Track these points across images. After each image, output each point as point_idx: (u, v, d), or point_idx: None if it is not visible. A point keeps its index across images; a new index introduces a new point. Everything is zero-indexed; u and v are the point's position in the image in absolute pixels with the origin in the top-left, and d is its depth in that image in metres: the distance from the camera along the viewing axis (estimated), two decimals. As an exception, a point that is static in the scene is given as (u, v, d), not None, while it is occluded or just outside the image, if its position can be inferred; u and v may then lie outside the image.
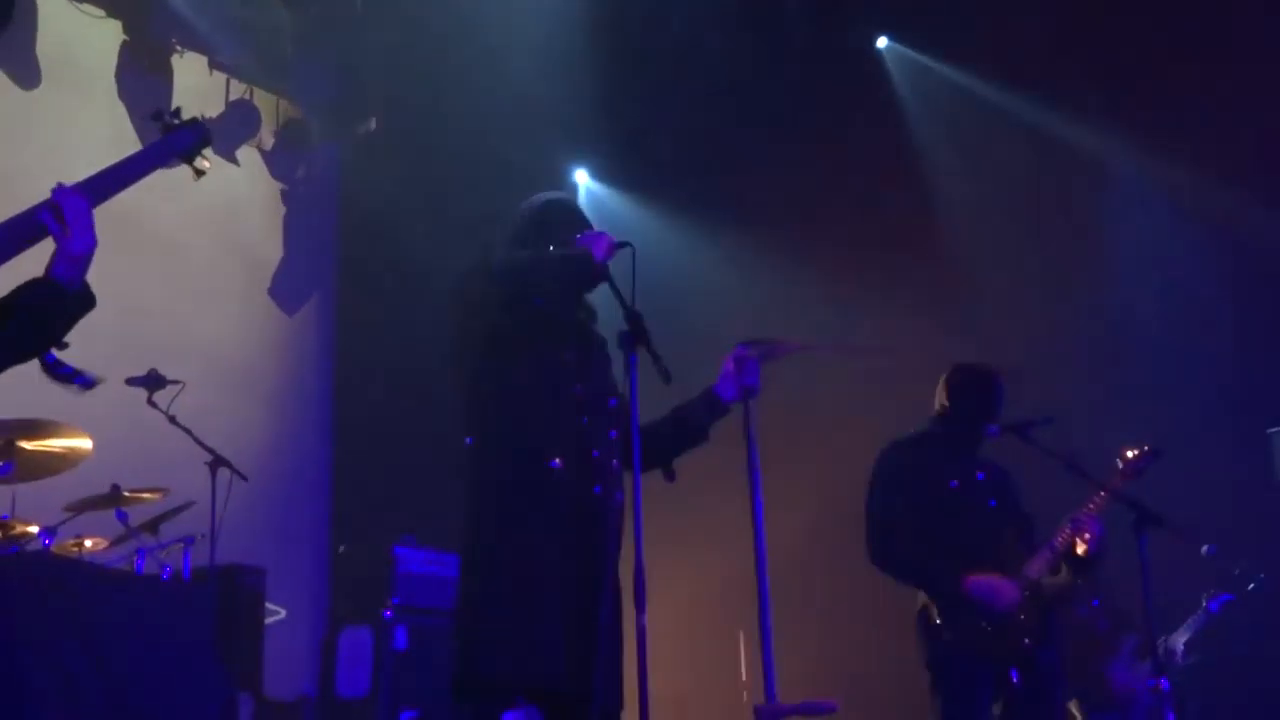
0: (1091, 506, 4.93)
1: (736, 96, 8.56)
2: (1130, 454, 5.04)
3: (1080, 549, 4.85)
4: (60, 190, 2.75)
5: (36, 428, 5.52)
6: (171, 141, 3.08)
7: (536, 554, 3.50)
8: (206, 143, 3.13)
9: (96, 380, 2.94)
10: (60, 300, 2.75)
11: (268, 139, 8.77)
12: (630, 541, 3.44)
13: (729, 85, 8.49)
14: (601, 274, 3.61)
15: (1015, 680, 4.70)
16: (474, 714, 3.50)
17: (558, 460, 3.57)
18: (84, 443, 5.71)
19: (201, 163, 3.13)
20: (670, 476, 3.87)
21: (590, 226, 3.79)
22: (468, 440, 3.68)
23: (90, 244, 2.75)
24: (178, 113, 3.12)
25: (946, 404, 5.08)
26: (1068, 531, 4.86)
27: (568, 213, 3.89)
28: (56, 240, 2.72)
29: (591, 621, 3.42)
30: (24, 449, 5.53)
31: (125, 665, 4.98)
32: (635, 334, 3.50)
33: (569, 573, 3.50)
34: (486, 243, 3.88)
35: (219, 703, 5.38)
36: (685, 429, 3.92)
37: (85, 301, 2.81)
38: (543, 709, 3.52)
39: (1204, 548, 6.77)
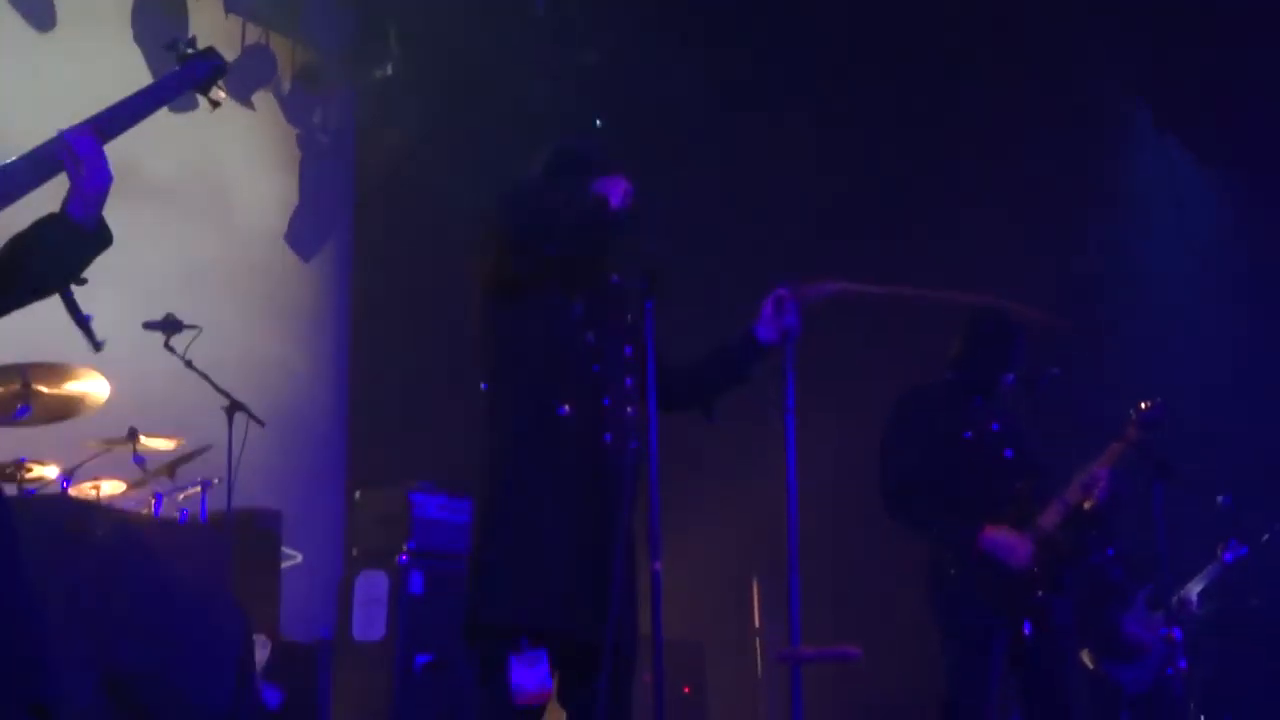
0: (1105, 458, 4.92)
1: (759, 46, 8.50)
2: (1144, 405, 5.04)
3: (1088, 504, 4.85)
4: (68, 131, 2.72)
5: (53, 371, 5.54)
6: (186, 72, 3.03)
7: (542, 501, 3.51)
8: (222, 73, 3.07)
9: (101, 344, 2.93)
10: (76, 237, 2.73)
11: (284, 83, 8.73)
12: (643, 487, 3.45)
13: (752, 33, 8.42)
14: (617, 221, 3.57)
15: (1028, 632, 4.71)
16: (482, 657, 3.52)
17: (566, 408, 3.57)
18: (101, 386, 5.72)
19: (216, 93, 3.07)
20: (710, 415, 3.86)
21: (612, 172, 3.70)
22: (483, 386, 3.68)
23: (105, 180, 2.72)
24: (193, 42, 3.06)
25: (963, 351, 5.06)
26: (1079, 484, 4.86)
27: (587, 158, 3.83)
28: (71, 178, 2.70)
29: (602, 568, 3.42)
30: (41, 392, 5.55)
31: (144, 606, 5.02)
32: (652, 282, 3.48)
33: (577, 520, 3.50)
34: (505, 188, 3.85)
35: (237, 644, 5.42)
36: (722, 370, 3.89)
37: (102, 239, 2.78)
38: (552, 650, 3.53)
39: (1219, 499, 6.77)
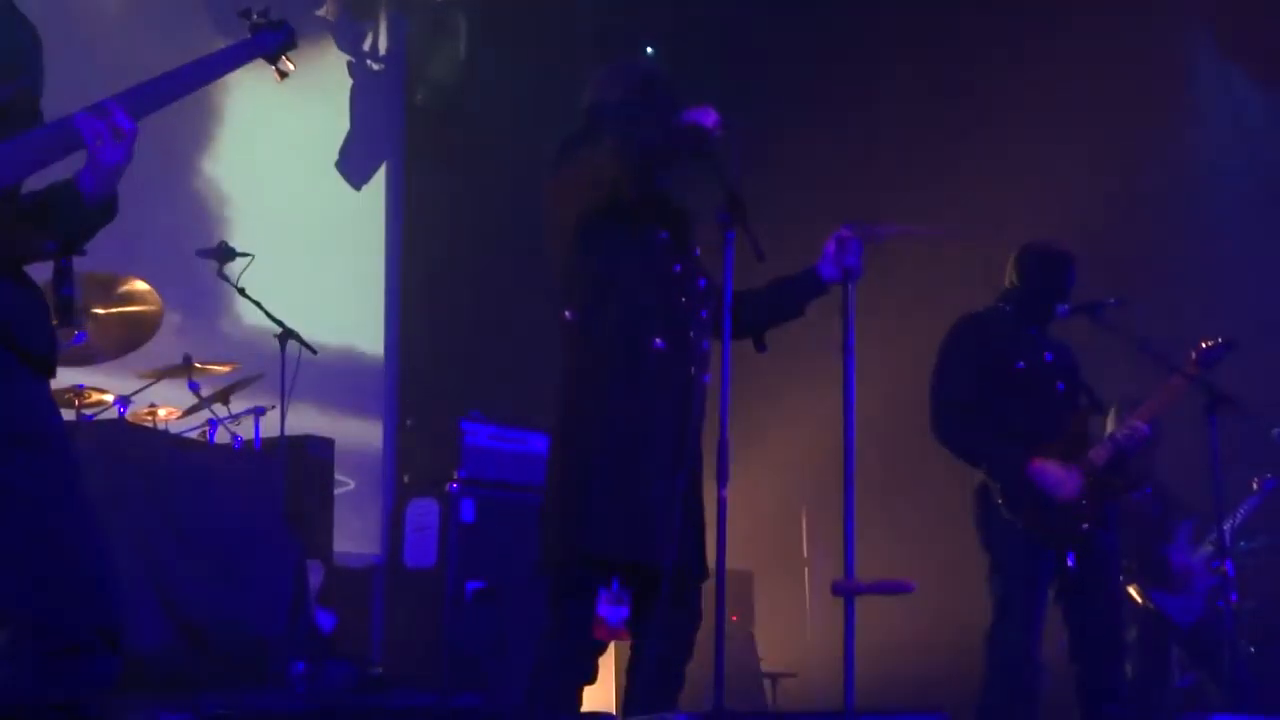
0: (1163, 394, 4.89)
1: None
2: (1205, 344, 5.00)
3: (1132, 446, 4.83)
4: (104, 103, 2.63)
5: (105, 283, 5.53)
6: (256, 42, 3.06)
7: (642, 432, 3.56)
8: (291, 45, 3.11)
9: (77, 324, 2.81)
10: (78, 209, 2.66)
11: (334, 9, 8.69)
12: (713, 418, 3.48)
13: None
14: (715, 146, 3.57)
15: (1071, 564, 4.70)
16: (563, 582, 3.55)
17: (660, 341, 3.60)
18: (154, 306, 5.73)
19: (285, 64, 3.11)
20: (761, 347, 3.93)
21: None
22: (568, 316, 3.68)
23: (118, 158, 2.62)
24: (266, 12, 3.09)
25: (1016, 282, 5.02)
26: (1130, 424, 4.84)
27: (670, 86, 3.83)
28: (89, 149, 2.60)
29: (681, 499, 3.48)
30: (98, 315, 5.55)
31: (200, 529, 5.09)
32: (734, 212, 3.47)
33: (669, 454, 3.55)
34: (588, 108, 3.82)
35: (291, 568, 5.50)
36: (782, 303, 3.94)
37: (106, 214, 2.71)
38: (633, 585, 3.56)
39: (1274, 430, 6.71)
